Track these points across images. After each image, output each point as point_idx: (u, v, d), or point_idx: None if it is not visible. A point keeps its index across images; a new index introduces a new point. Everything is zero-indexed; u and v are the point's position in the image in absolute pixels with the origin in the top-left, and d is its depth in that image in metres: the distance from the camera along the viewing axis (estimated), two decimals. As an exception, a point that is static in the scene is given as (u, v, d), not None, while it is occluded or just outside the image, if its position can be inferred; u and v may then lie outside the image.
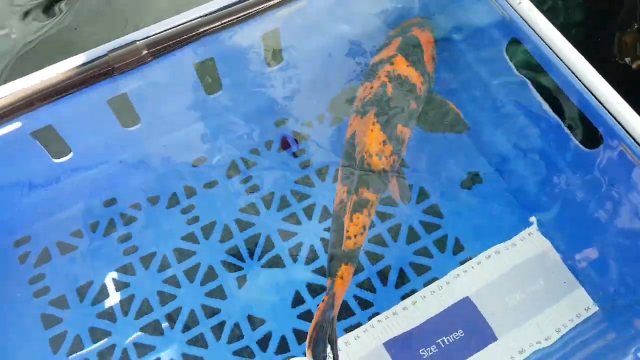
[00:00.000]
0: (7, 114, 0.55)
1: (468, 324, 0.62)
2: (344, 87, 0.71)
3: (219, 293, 0.66)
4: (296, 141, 0.76)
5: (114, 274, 0.67)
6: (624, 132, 0.52)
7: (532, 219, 0.67)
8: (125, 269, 0.68)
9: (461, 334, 0.61)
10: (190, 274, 0.67)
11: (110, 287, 0.66)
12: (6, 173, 0.63)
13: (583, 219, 0.62)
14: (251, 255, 0.68)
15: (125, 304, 0.65)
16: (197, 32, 0.57)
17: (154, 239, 0.69)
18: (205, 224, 0.70)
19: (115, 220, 0.71)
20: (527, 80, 0.62)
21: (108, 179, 0.71)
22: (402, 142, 0.63)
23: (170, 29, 0.56)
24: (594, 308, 0.62)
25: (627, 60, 0.78)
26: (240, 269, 0.67)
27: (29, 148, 0.61)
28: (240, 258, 0.68)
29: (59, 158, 0.65)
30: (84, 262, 0.68)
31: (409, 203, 0.70)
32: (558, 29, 0.56)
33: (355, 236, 0.58)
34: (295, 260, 0.67)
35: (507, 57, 0.62)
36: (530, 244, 0.66)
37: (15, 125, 0.57)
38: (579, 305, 0.62)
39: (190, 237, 0.70)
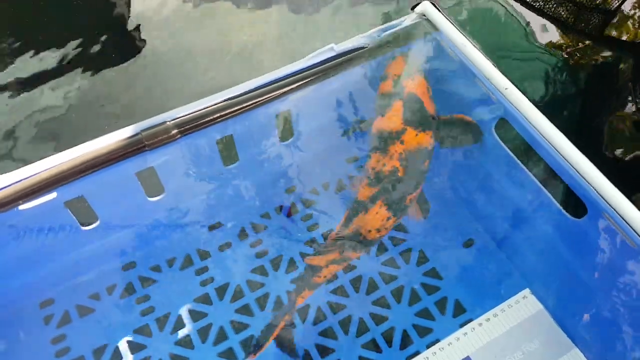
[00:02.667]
0: (48, 185, 0.60)
1: (469, 384, 0.65)
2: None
3: (230, 354, 0.69)
4: (300, 207, 0.82)
5: (130, 337, 0.70)
6: (605, 202, 0.57)
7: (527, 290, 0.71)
8: (141, 330, 0.71)
9: (463, 393, 0.64)
10: (203, 334, 0.70)
11: (125, 349, 0.69)
12: (37, 239, 0.68)
13: (574, 282, 0.66)
14: (262, 316, 0.72)
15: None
16: (220, 114, 0.63)
17: (170, 300, 0.73)
18: (218, 285, 0.74)
19: (133, 282, 0.75)
20: (514, 157, 0.68)
21: (129, 244, 0.76)
22: (411, 201, 0.66)
23: (197, 111, 0.63)
24: (589, 368, 0.65)
25: (618, 152, 0.74)
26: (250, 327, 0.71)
27: (61, 216, 0.66)
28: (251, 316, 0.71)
29: (86, 225, 0.70)
30: (103, 324, 0.71)
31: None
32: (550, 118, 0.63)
33: (325, 276, 0.67)
34: (303, 321, 0.71)
35: (495, 135, 0.69)
36: (524, 306, 0.70)
37: (51, 195, 0.63)
38: (573, 365, 0.66)
39: (204, 298, 0.73)
